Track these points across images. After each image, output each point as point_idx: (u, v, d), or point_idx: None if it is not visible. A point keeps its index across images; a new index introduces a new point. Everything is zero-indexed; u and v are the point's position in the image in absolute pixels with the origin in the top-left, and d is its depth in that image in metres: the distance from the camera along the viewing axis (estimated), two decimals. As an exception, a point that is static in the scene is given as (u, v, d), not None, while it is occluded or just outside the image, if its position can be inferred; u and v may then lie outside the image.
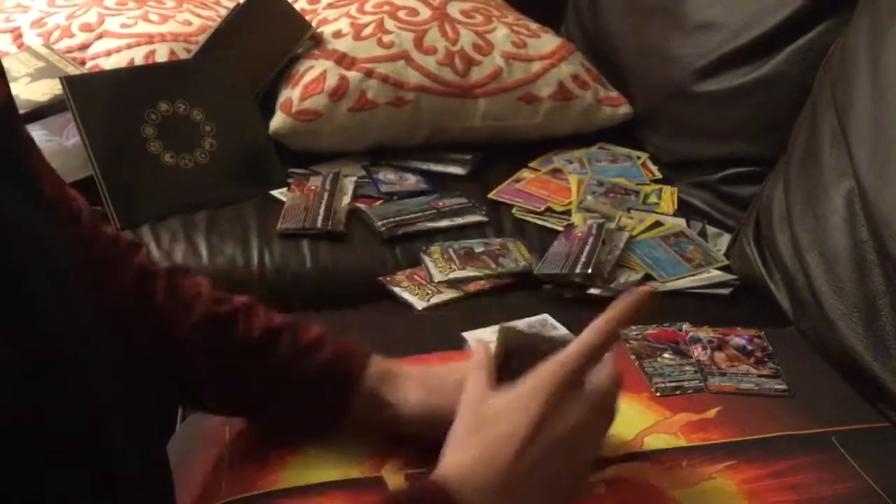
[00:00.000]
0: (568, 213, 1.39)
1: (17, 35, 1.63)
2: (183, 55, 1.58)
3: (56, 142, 1.39)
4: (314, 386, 0.81)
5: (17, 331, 0.51)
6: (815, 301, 1.11)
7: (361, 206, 1.39)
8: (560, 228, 1.34)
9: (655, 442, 0.91)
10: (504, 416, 0.67)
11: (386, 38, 1.55)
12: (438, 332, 1.10)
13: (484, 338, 1.05)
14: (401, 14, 1.60)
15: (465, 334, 1.06)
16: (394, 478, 0.85)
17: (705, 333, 1.08)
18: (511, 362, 0.75)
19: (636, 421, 0.94)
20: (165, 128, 1.40)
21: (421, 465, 0.87)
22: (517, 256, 1.28)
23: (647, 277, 1.23)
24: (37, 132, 1.38)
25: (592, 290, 1.18)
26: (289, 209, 1.36)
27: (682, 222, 1.37)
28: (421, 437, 0.79)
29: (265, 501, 0.82)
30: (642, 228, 1.33)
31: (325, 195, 1.38)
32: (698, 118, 1.47)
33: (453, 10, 1.64)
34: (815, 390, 1.01)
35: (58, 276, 0.58)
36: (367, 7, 1.62)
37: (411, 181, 1.47)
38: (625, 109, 1.61)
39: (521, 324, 1.02)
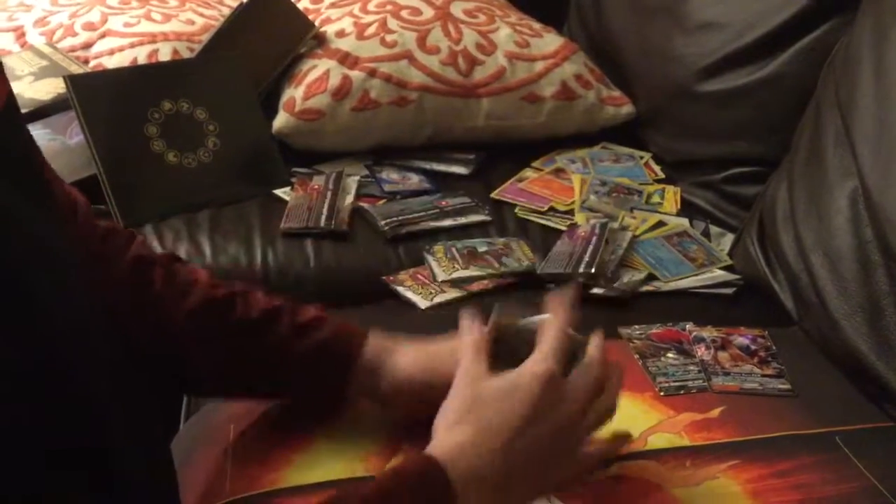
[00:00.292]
0: (571, 212, 1.39)
1: (20, 34, 1.63)
2: (186, 54, 1.58)
3: (59, 140, 1.39)
4: (314, 363, 0.81)
5: (17, 330, 0.51)
6: (818, 301, 1.11)
7: (365, 205, 1.39)
8: (563, 228, 1.34)
9: (659, 441, 0.92)
10: (498, 402, 0.69)
11: (389, 38, 1.55)
12: (442, 331, 1.09)
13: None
14: (404, 14, 1.60)
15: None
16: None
17: (709, 333, 1.08)
18: (500, 344, 0.76)
19: (640, 420, 0.94)
20: (169, 127, 1.40)
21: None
22: (520, 256, 1.28)
23: (651, 277, 1.22)
24: (40, 131, 1.38)
25: (596, 290, 1.18)
26: (292, 208, 1.36)
27: (685, 222, 1.37)
28: (417, 412, 0.80)
29: (269, 500, 0.82)
30: (645, 228, 1.33)
31: (329, 194, 1.38)
32: (701, 118, 1.47)
33: (456, 10, 1.64)
34: (819, 390, 1.01)
35: (58, 276, 0.58)
36: (370, 6, 1.62)
37: (414, 181, 1.47)
38: (628, 109, 1.61)
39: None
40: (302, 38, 1.57)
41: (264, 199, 1.41)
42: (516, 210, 1.41)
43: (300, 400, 0.87)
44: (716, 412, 0.96)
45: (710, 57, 1.44)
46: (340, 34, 1.57)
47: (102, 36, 1.61)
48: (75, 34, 1.62)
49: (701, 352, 1.05)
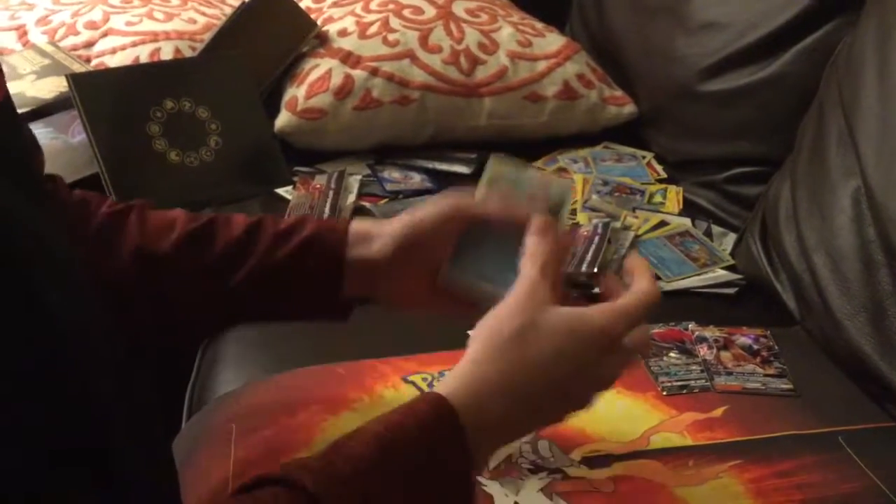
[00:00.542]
0: (573, 212, 1.39)
1: (22, 32, 1.63)
2: (188, 53, 1.58)
3: (61, 139, 1.39)
4: (302, 259, 0.79)
5: (19, 329, 0.51)
6: (821, 301, 1.11)
7: (366, 204, 1.39)
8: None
9: (662, 441, 0.92)
10: (550, 345, 0.65)
11: (391, 37, 1.55)
12: (442, 330, 1.10)
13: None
14: (406, 13, 1.60)
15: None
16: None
17: (711, 333, 1.08)
18: (494, 185, 0.77)
19: (642, 419, 0.94)
20: (171, 126, 1.40)
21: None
22: (522, 255, 1.28)
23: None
24: (42, 130, 1.39)
25: (598, 290, 1.18)
26: (294, 207, 1.36)
27: (687, 222, 1.37)
28: (417, 305, 0.80)
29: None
30: (647, 228, 1.33)
31: (331, 193, 1.38)
32: (703, 118, 1.47)
33: (458, 9, 1.64)
34: (822, 390, 1.01)
35: (60, 276, 0.58)
36: (373, 6, 1.62)
37: (416, 180, 1.47)
38: (630, 109, 1.61)
39: None
40: (304, 38, 1.57)
41: (266, 199, 1.41)
42: (518, 209, 1.41)
43: (300, 314, 0.83)
44: (718, 412, 0.96)
45: (713, 56, 1.44)
46: (342, 33, 1.57)
47: (104, 35, 1.61)
48: (77, 33, 1.62)
49: (703, 351, 1.05)
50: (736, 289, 1.23)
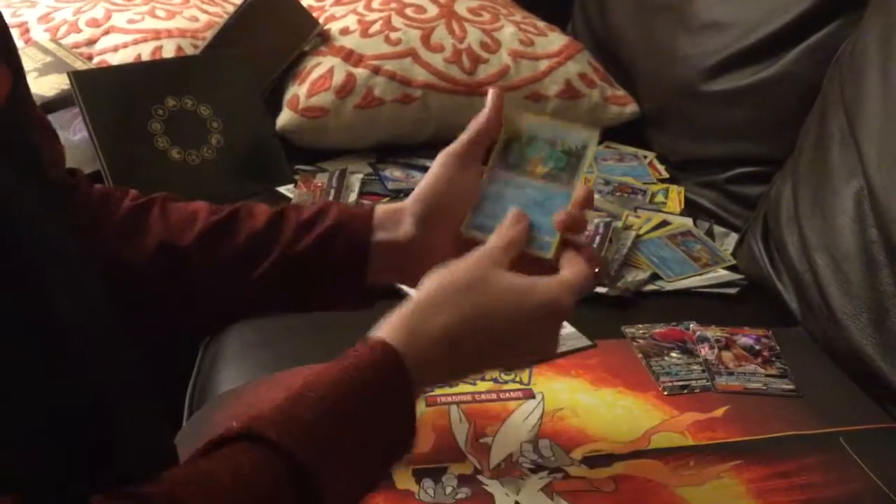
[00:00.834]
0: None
1: (24, 30, 1.63)
2: (190, 51, 1.57)
3: (63, 137, 1.38)
4: (328, 245, 0.79)
5: (26, 325, 0.51)
6: (823, 301, 1.10)
7: (368, 202, 1.39)
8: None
9: (662, 440, 0.92)
10: (501, 304, 0.66)
11: (393, 36, 1.55)
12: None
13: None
14: (408, 11, 1.60)
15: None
16: (402, 474, 0.85)
17: (713, 333, 1.08)
18: (512, 145, 0.77)
19: (643, 419, 0.94)
20: (172, 123, 1.40)
21: (427, 461, 0.87)
22: (524, 254, 1.28)
23: (654, 276, 1.22)
24: (44, 127, 1.38)
25: (599, 289, 1.18)
26: (295, 206, 1.36)
27: (689, 221, 1.37)
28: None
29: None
30: (649, 227, 1.33)
31: (332, 192, 1.38)
32: (706, 117, 1.47)
33: (461, 8, 1.63)
34: (823, 390, 1.01)
35: (67, 271, 0.58)
36: (375, 4, 1.62)
37: (418, 178, 1.46)
38: (632, 108, 1.61)
39: None
40: (306, 36, 1.57)
41: (267, 197, 1.41)
42: (520, 209, 1.41)
43: (323, 303, 0.83)
44: (719, 412, 0.96)
45: (715, 56, 1.44)
46: (344, 32, 1.57)
47: (106, 32, 1.61)
48: (79, 30, 1.62)
49: (704, 351, 1.05)
50: (737, 289, 1.23)
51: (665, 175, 1.52)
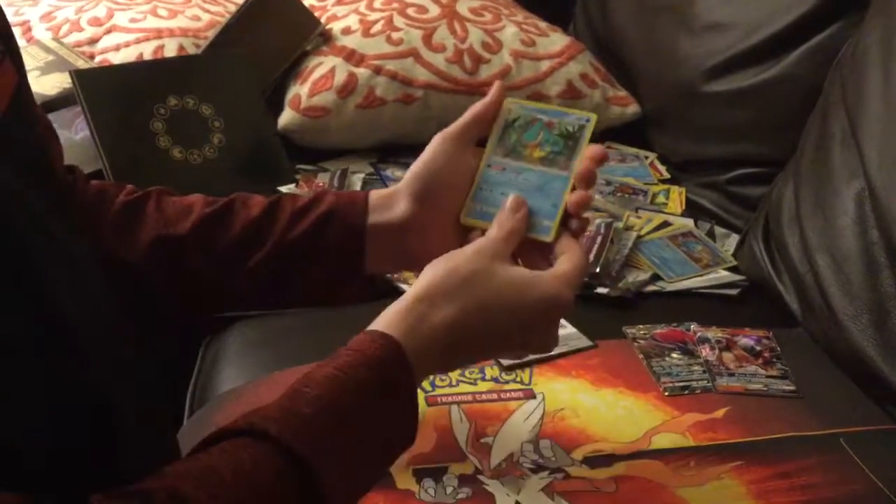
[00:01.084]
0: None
1: (26, 28, 1.63)
2: (192, 51, 1.58)
3: (65, 135, 1.39)
4: (323, 230, 0.78)
5: (30, 322, 0.51)
6: (824, 302, 1.10)
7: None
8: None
9: (663, 441, 0.92)
10: (500, 299, 0.66)
11: (395, 36, 1.55)
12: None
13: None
14: (410, 11, 1.60)
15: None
16: (402, 474, 0.85)
17: (713, 333, 1.08)
18: (509, 131, 0.76)
19: (644, 420, 0.94)
20: (174, 122, 1.40)
21: (427, 461, 0.87)
22: (525, 255, 1.28)
23: (655, 277, 1.22)
24: (45, 126, 1.38)
25: (600, 290, 1.18)
26: (296, 205, 1.36)
27: (690, 222, 1.37)
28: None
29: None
30: (650, 228, 1.33)
31: (333, 192, 1.38)
32: (707, 118, 1.47)
33: (462, 8, 1.63)
34: (824, 391, 1.01)
35: (72, 270, 0.59)
36: (377, 4, 1.62)
37: (419, 178, 1.47)
38: (633, 109, 1.61)
39: None
40: (308, 36, 1.57)
41: (268, 196, 1.41)
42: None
43: (322, 294, 0.82)
44: (720, 413, 0.96)
45: (717, 57, 1.44)
46: (346, 31, 1.57)
47: (108, 31, 1.61)
48: (81, 29, 1.62)
49: (705, 352, 1.05)
50: (738, 290, 1.23)
51: (666, 176, 1.52)
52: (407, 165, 1.59)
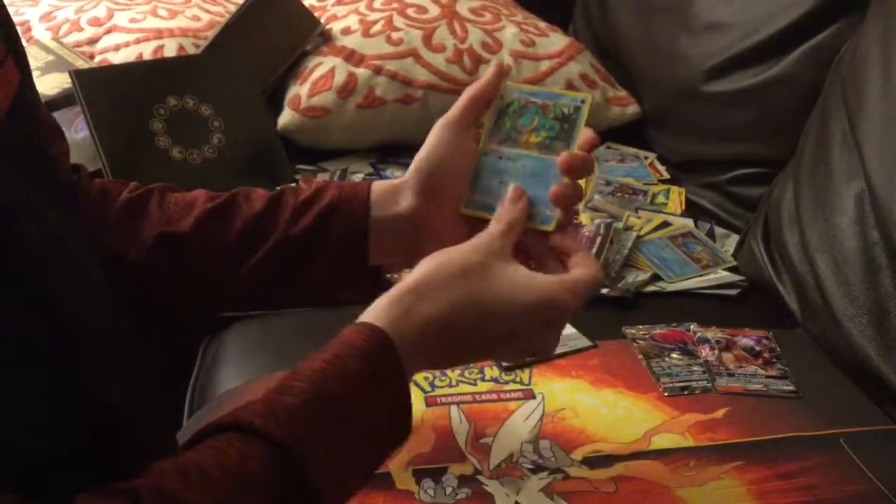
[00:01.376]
0: (575, 212, 1.39)
1: (26, 28, 1.63)
2: (192, 51, 1.58)
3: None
4: (327, 223, 0.77)
5: (33, 326, 0.51)
6: (823, 303, 1.10)
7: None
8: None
9: (663, 441, 0.92)
10: (500, 299, 0.64)
11: (395, 36, 1.55)
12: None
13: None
14: (410, 11, 1.60)
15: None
16: (402, 474, 0.85)
17: (713, 334, 1.08)
18: (503, 117, 0.74)
19: (644, 420, 0.94)
20: (174, 122, 1.40)
21: (427, 461, 0.87)
22: (524, 255, 1.28)
23: (655, 277, 1.22)
24: (45, 126, 1.38)
25: (600, 290, 1.18)
26: (296, 205, 1.36)
27: (689, 222, 1.37)
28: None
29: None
30: (650, 228, 1.33)
31: (333, 192, 1.38)
32: (707, 118, 1.47)
33: (462, 9, 1.63)
34: (823, 392, 1.01)
35: (75, 274, 0.58)
36: (376, 4, 1.62)
37: (419, 179, 1.47)
38: (633, 109, 1.61)
39: None
40: (307, 36, 1.57)
41: (268, 196, 1.41)
42: (521, 209, 1.40)
43: (326, 290, 0.81)
44: (720, 413, 0.96)
45: (717, 57, 1.44)
46: (346, 31, 1.57)
47: (108, 31, 1.61)
48: (81, 29, 1.62)
49: (705, 352, 1.05)
50: (738, 290, 1.23)
51: (666, 176, 1.52)
52: (406, 165, 1.58)
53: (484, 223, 0.70)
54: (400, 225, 0.77)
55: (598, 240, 1.25)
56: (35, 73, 1.49)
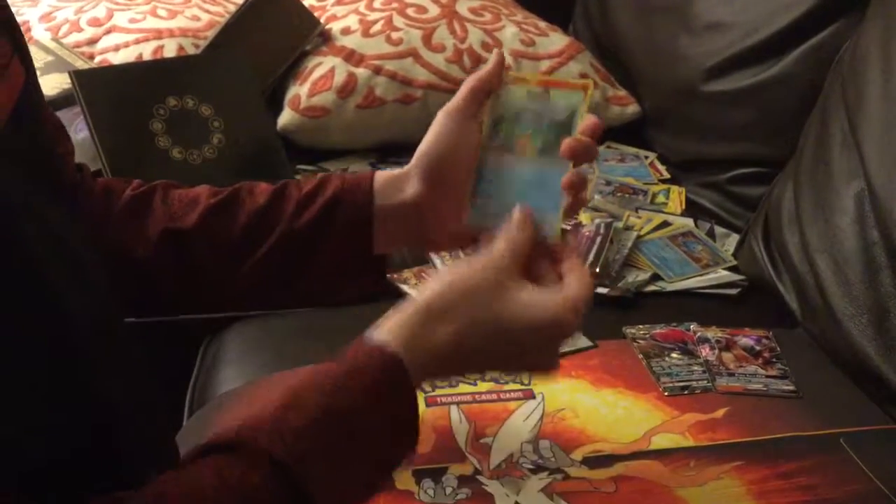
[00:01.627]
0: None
1: (25, 29, 1.63)
2: (191, 51, 1.58)
3: (64, 136, 1.39)
4: (331, 214, 0.77)
5: (32, 326, 0.51)
6: (823, 302, 1.10)
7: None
8: (567, 227, 1.33)
9: (663, 441, 0.92)
10: (504, 321, 0.64)
11: (394, 36, 1.55)
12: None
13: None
14: (409, 11, 1.60)
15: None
16: (402, 474, 0.85)
17: (713, 333, 1.08)
18: (500, 125, 0.73)
19: (644, 420, 0.94)
20: (174, 123, 1.40)
21: (427, 461, 0.87)
22: (524, 255, 1.28)
23: (655, 277, 1.22)
24: (45, 126, 1.38)
25: (600, 290, 1.18)
26: (296, 205, 1.36)
27: (690, 222, 1.37)
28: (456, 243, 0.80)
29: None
30: (650, 228, 1.33)
31: (333, 192, 1.38)
32: (707, 118, 1.46)
33: (462, 8, 1.63)
34: (823, 391, 1.01)
35: (76, 274, 0.58)
36: (376, 4, 1.62)
37: (419, 178, 1.47)
38: (633, 108, 1.61)
39: None
40: (307, 36, 1.57)
41: (268, 196, 1.41)
42: (521, 209, 1.40)
43: (332, 282, 0.81)
44: (720, 413, 0.96)
45: (717, 57, 1.43)
46: (346, 31, 1.57)
47: (108, 32, 1.61)
48: (81, 30, 1.62)
49: (705, 352, 1.05)
50: (738, 290, 1.23)
51: (666, 175, 1.51)
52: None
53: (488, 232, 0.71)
54: (405, 213, 0.77)
55: (598, 239, 1.25)
56: (35, 74, 1.50)
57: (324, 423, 0.57)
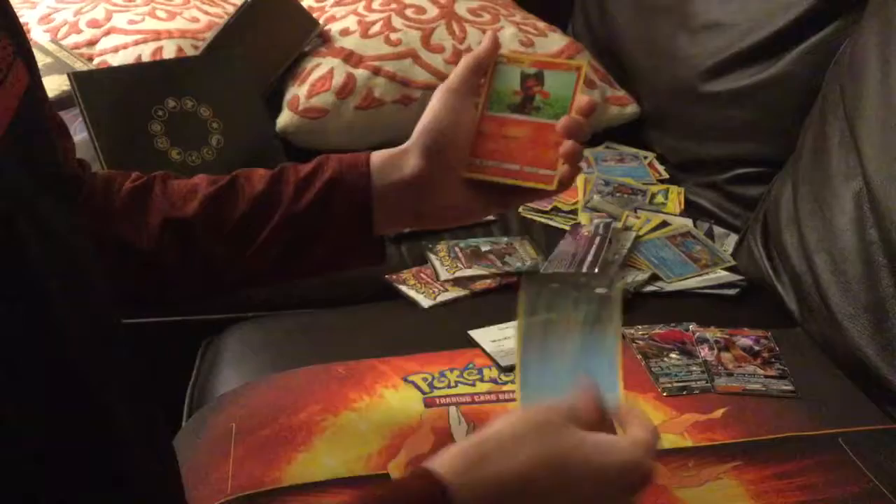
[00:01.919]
0: (574, 212, 1.39)
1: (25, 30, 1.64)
2: (190, 52, 1.58)
3: (63, 137, 1.39)
4: (330, 195, 0.78)
5: (26, 331, 0.51)
6: (822, 302, 1.10)
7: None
8: (566, 227, 1.34)
9: (662, 441, 0.91)
10: (577, 461, 0.61)
11: (393, 36, 1.55)
12: (444, 329, 1.10)
13: (490, 336, 1.05)
14: (408, 12, 1.60)
15: (472, 332, 1.06)
16: (401, 475, 0.85)
17: (712, 334, 1.08)
18: (536, 312, 0.70)
19: (642, 421, 0.94)
20: (173, 124, 1.40)
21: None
22: (524, 255, 1.28)
23: (654, 277, 1.22)
24: (44, 128, 1.38)
25: (599, 290, 1.18)
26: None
27: (688, 222, 1.37)
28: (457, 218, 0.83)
29: (271, 499, 0.82)
30: (649, 228, 1.33)
31: (332, 193, 1.38)
32: (706, 118, 1.47)
33: (461, 9, 1.64)
34: (822, 391, 1.01)
35: (75, 276, 0.58)
36: (375, 5, 1.62)
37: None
38: (632, 109, 1.61)
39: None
40: (306, 37, 1.57)
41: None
42: (520, 209, 1.41)
43: (334, 260, 0.82)
44: (719, 413, 0.96)
45: (716, 57, 1.44)
46: (345, 32, 1.57)
47: (107, 33, 1.61)
48: (80, 31, 1.62)
49: (704, 352, 1.05)
50: (737, 290, 1.23)
51: (665, 176, 1.52)
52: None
53: (491, 185, 0.78)
54: (404, 190, 0.79)
55: (598, 240, 1.25)
56: (34, 76, 1.50)
57: None
